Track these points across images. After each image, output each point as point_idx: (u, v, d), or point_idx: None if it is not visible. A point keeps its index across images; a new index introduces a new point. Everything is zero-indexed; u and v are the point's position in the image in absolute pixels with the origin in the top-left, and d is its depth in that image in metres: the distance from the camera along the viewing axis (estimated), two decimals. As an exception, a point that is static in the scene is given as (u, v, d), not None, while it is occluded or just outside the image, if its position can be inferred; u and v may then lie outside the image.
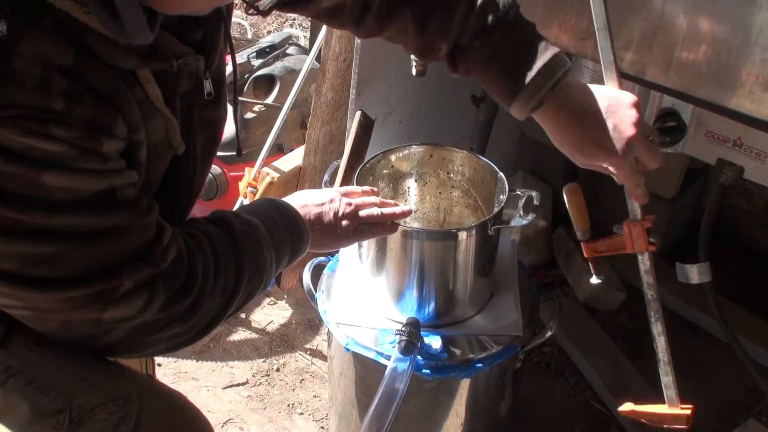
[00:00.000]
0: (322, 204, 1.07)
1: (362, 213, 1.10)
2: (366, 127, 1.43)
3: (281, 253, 0.96)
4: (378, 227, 1.14)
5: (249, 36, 3.86)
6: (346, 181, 1.52)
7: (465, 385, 1.28)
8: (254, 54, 2.52)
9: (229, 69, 2.51)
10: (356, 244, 1.29)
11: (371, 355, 1.23)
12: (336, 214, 1.07)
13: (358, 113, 1.41)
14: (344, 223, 1.08)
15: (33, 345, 0.92)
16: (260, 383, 1.91)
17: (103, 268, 0.71)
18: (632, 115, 0.96)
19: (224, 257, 0.87)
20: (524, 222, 1.20)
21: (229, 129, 2.33)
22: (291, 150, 2.25)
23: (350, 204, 1.10)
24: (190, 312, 0.81)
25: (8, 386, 0.86)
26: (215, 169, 2.32)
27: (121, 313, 0.75)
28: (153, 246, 0.77)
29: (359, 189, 1.17)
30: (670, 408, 1.23)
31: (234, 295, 0.88)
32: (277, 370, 1.95)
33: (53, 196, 0.66)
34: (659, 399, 1.24)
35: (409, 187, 1.40)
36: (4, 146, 0.62)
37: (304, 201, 1.06)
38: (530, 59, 0.93)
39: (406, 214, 1.18)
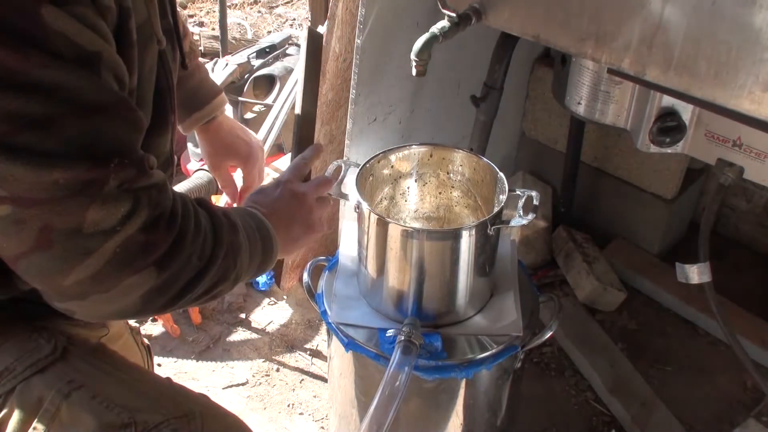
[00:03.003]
0: (275, 201, 1.05)
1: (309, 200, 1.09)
2: (315, 41, 1.36)
3: (254, 249, 0.92)
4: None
5: (249, 36, 3.85)
6: (306, 120, 1.48)
7: (465, 385, 1.28)
8: (254, 54, 2.52)
9: (229, 70, 2.49)
10: (356, 244, 1.30)
11: (371, 355, 1.23)
12: (295, 203, 1.06)
13: (306, 27, 1.35)
14: (303, 213, 1.07)
15: (91, 357, 0.93)
16: (260, 383, 1.91)
17: (89, 151, 0.69)
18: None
19: (204, 222, 0.83)
20: (524, 222, 1.20)
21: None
22: (291, 150, 2.25)
23: (302, 193, 1.08)
24: (169, 256, 0.77)
25: (73, 399, 0.86)
26: (215, 169, 2.31)
27: (103, 217, 0.71)
28: (139, 152, 0.75)
29: (300, 161, 1.14)
30: None
31: (210, 264, 0.82)
32: (277, 370, 1.95)
33: (49, 39, 0.65)
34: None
35: (409, 187, 1.40)
36: None
37: (261, 202, 1.04)
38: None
39: (328, 182, 1.17)
